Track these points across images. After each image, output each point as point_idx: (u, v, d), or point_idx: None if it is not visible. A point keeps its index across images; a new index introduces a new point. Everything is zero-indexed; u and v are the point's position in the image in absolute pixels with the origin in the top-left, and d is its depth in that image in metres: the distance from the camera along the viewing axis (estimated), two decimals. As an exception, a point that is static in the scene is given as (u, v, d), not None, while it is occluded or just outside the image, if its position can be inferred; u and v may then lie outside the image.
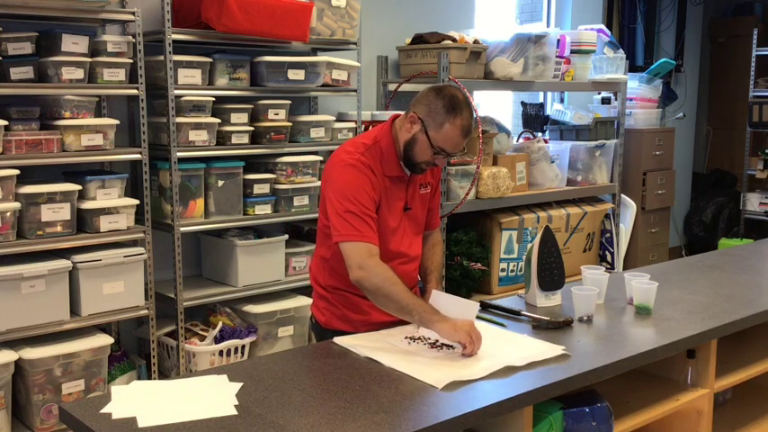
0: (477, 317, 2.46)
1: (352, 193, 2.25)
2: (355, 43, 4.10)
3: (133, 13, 3.29)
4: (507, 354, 2.13)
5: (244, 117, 3.71)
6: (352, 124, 4.12)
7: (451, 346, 2.20)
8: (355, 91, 4.11)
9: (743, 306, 2.65)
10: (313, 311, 2.55)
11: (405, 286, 2.22)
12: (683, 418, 2.49)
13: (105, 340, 3.27)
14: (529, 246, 2.68)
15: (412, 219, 2.47)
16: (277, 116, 3.81)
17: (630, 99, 5.75)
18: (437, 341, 2.24)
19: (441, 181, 2.62)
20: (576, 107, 5.40)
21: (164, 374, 3.63)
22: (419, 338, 2.27)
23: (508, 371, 2.04)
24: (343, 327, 2.43)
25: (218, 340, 3.56)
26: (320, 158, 3.95)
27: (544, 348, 2.18)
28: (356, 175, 2.27)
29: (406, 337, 2.28)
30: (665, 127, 6.16)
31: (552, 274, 2.63)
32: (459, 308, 2.29)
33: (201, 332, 3.64)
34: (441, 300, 2.36)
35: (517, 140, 5.12)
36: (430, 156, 2.30)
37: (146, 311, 3.42)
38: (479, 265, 4.36)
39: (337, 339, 2.28)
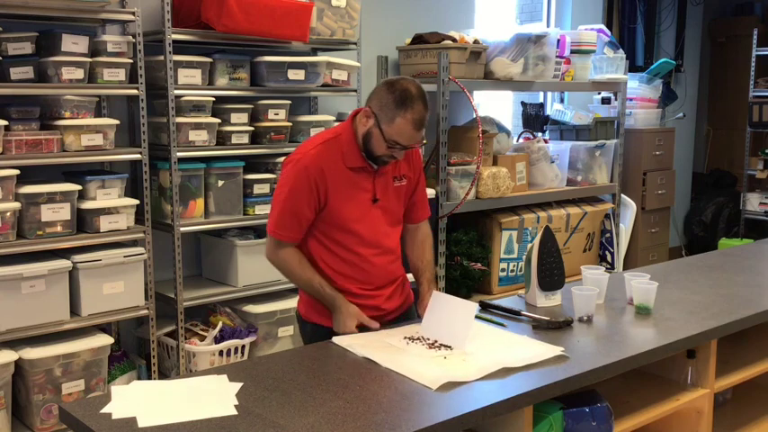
0: (477, 317, 2.47)
1: (290, 193, 2.34)
2: (355, 43, 4.10)
3: (133, 13, 3.29)
4: (505, 355, 2.13)
5: (244, 117, 3.71)
6: (352, 124, 4.12)
7: (449, 347, 2.20)
8: (355, 91, 4.11)
9: (743, 306, 2.65)
10: (297, 304, 2.59)
11: (311, 270, 2.38)
12: (683, 418, 2.49)
13: (105, 340, 3.27)
14: (529, 246, 2.68)
15: (385, 210, 2.46)
16: (277, 116, 3.81)
17: (630, 99, 5.75)
18: (435, 341, 2.24)
19: (425, 173, 2.63)
20: (576, 107, 5.39)
21: (164, 374, 3.63)
22: (418, 339, 2.27)
23: (506, 372, 2.04)
24: (319, 319, 2.46)
25: (218, 340, 3.56)
26: (320, 158, 3.95)
27: (543, 349, 2.18)
28: (297, 177, 2.32)
29: (405, 338, 2.28)
30: (665, 127, 6.16)
31: (552, 274, 2.63)
32: (458, 309, 2.29)
33: (201, 332, 3.64)
34: (440, 301, 2.37)
35: (517, 140, 5.12)
36: (385, 149, 2.32)
37: (146, 311, 3.42)
38: (479, 265, 4.36)
39: (336, 339, 2.28)
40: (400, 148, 2.31)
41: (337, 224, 2.38)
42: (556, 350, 2.17)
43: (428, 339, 2.27)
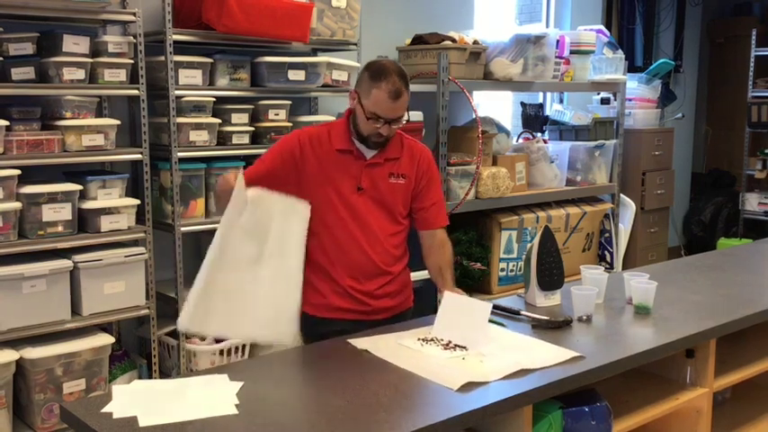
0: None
1: (269, 150, 2.57)
2: (355, 44, 4.10)
3: (134, 14, 3.30)
4: (522, 356, 2.13)
5: (244, 117, 3.71)
6: (352, 124, 4.12)
7: (464, 348, 2.21)
8: (355, 91, 4.11)
9: (742, 306, 2.66)
10: None
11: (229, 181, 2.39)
12: (683, 418, 2.50)
13: (106, 340, 3.28)
14: (528, 246, 2.69)
15: (375, 201, 2.51)
16: (277, 116, 3.82)
17: (629, 99, 5.75)
18: (449, 342, 2.25)
19: (437, 178, 2.63)
20: (576, 107, 5.40)
21: (164, 374, 3.64)
22: (432, 340, 2.28)
23: (516, 372, 2.04)
24: (306, 308, 2.52)
25: (218, 340, 3.57)
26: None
27: (559, 352, 2.18)
28: (284, 141, 2.54)
29: (419, 339, 2.29)
30: (664, 127, 6.16)
31: (552, 273, 2.64)
32: (472, 310, 2.30)
33: (202, 332, 3.65)
34: (452, 301, 2.38)
35: (517, 141, 5.13)
36: (367, 123, 2.41)
37: (146, 311, 3.42)
38: (479, 264, 4.37)
39: (352, 341, 2.27)
40: (383, 122, 2.40)
41: (322, 204, 2.48)
42: (572, 353, 2.16)
43: (441, 340, 2.27)
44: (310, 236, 2.52)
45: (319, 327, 2.48)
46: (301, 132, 2.53)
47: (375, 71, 2.39)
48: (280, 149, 2.52)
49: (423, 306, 2.62)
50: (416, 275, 2.68)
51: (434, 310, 2.43)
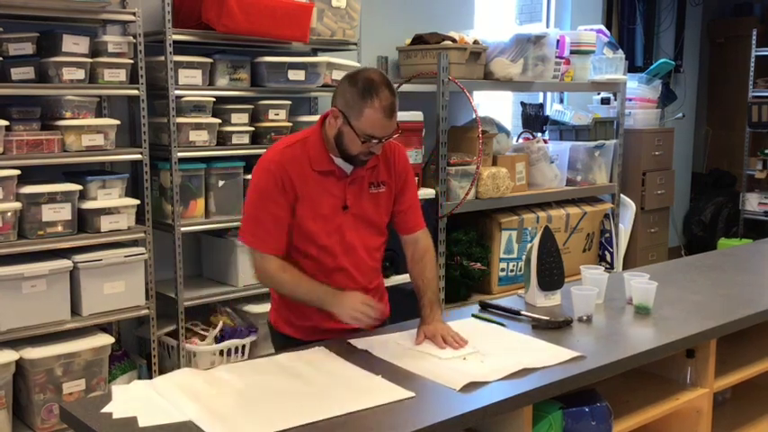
0: (477, 317, 2.48)
1: (260, 197, 2.26)
2: (355, 44, 4.10)
3: (134, 14, 3.30)
4: (523, 356, 2.12)
5: (244, 117, 3.71)
6: (352, 124, 4.12)
7: (465, 348, 2.20)
8: (355, 91, 4.11)
9: (742, 306, 2.65)
10: (269, 311, 2.51)
11: (297, 273, 2.25)
12: (683, 418, 2.50)
13: (106, 340, 3.28)
14: (528, 246, 2.69)
15: (358, 218, 2.32)
16: (277, 116, 3.82)
17: (630, 99, 5.75)
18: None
19: (424, 174, 2.54)
20: (576, 107, 5.40)
21: (164, 374, 3.63)
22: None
23: (516, 372, 2.03)
24: (289, 331, 2.39)
25: (218, 340, 3.57)
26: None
27: (558, 352, 2.17)
28: (263, 179, 2.25)
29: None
30: (665, 127, 6.17)
31: (552, 273, 2.64)
32: None
33: (202, 332, 3.65)
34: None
35: (517, 141, 5.13)
36: (361, 145, 2.18)
37: (146, 311, 3.42)
38: (479, 264, 4.37)
39: (352, 341, 2.25)
40: (376, 141, 2.18)
41: (302, 230, 2.27)
42: (572, 353, 2.16)
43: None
44: (290, 262, 2.31)
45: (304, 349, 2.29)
46: (270, 163, 2.25)
47: (363, 87, 2.13)
48: (270, 198, 2.24)
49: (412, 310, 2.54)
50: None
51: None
